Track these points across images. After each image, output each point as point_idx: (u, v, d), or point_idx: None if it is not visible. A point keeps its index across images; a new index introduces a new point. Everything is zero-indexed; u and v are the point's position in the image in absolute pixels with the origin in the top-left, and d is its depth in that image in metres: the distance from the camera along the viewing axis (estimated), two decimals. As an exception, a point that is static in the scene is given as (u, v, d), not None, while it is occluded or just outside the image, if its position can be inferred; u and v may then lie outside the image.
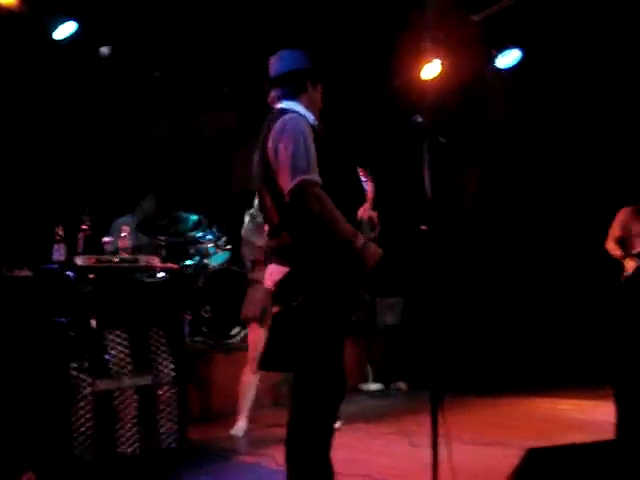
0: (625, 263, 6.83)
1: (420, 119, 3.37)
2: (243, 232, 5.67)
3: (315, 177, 2.98)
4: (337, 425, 5.09)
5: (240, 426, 5.49)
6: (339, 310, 3.07)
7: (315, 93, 3.30)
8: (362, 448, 5.07)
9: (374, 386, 7.74)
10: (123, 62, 7.32)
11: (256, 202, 5.48)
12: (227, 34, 7.25)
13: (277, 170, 3.03)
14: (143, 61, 7.53)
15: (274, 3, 6.83)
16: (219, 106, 8.12)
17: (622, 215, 7.07)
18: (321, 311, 3.02)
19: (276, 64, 3.32)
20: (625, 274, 6.71)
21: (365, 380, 7.83)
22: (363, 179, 4.52)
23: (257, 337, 5.33)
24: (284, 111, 3.14)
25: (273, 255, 3.16)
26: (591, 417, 5.87)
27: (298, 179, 2.94)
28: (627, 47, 6.90)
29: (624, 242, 6.94)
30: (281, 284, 3.08)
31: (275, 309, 3.15)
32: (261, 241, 5.02)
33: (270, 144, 3.05)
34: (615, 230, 7.04)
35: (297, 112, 3.13)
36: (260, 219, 4.80)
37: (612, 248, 6.99)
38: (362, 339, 7.99)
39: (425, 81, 7.75)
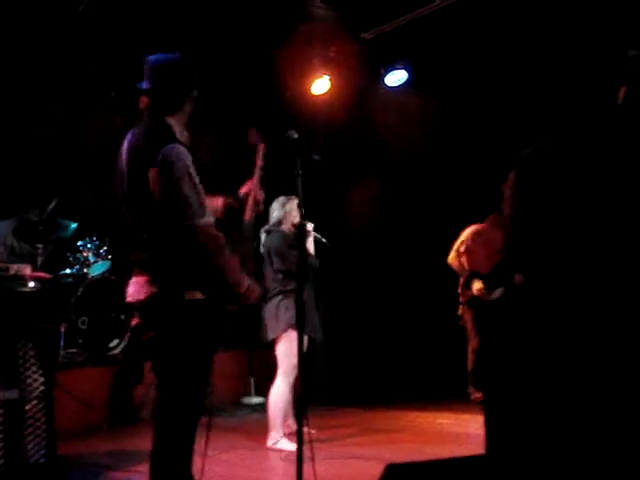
0: (473, 283, 7.11)
1: (295, 135, 3.37)
2: (272, 246, 5.59)
3: (210, 219, 3.02)
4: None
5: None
6: (209, 329, 3.10)
7: (189, 107, 3.26)
8: (238, 463, 5.03)
9: (256, 399, 7.69)
10: (3, 61, 7.05)
11: (273, 217, 5.63)
12: (115, 37, 7.10)
13: (165, 200, 2.99)
14: (25, 61, 7.27)
15: (162, 8, 6.74)
16: (105, 110, 7.93)
17: (468, 233, 7.37)
18: (191, 331, 3.03)
19: (159, 73, 3.20)
20: (493, 296, 6.96)
21: (247, 393, 7.78)
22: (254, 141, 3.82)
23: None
24: (166, 135, 3.08)
25: (143, 267, 3.10)
26: (469, 431, 6.01)
27: (195, 222, 2.96)
28: (517, 68, 7.14)
29: (464, 259, 7.25)
30: (153, 298, 3.04)
31: (135, 321, 3.14)
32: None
33: (158, 172, 2.97)
34: (460, 246, 7.33)
35: (178, 141, 3.07)
36: (283, 228, 5.53)
37: (457, 265, 7.28)
38: (245, 352, 7.95)
39: (315, 96, 7.81)
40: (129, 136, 3.19)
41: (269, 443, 5.40)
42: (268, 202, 8.25)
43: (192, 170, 3.03)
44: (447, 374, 7.68)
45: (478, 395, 7.32)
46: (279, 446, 5.30)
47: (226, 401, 7.48)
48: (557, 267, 2.13)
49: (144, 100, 3.19)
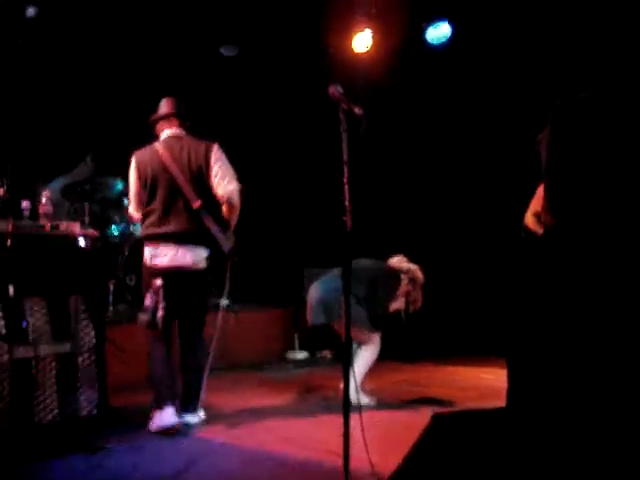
0: None
1: (340, 89, 3.36)
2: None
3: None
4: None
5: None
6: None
7: None
8: (282, 414, 5.13)
9: (300, 354, 7.81)
10: (49, 23, 7.11)
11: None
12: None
13: (214, 175, 4.69)
14: (71, 22, 7.33)
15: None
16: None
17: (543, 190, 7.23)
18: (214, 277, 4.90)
19: (175, 104, 4.94)
20: None
21: (291, 348, 7.89)
22: None
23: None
24: (197, 138, 4.86)
25: (192, 238, 4.69)
26: (509, 386, 6.05)
27: (238, 185, 4.77)
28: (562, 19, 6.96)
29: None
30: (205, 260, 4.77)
31: (159, 281, 4.64)
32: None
33: (212, 160, 4.70)
34: (537, 205, 7.19)
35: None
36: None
37: (533, 223, 7.15)
38: (289, 308, 8.04)
39: (357, 51, 7.74)
40: (165, 147, 4.78)
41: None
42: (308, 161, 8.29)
43: None
44: (488, 330, 7.68)
45: None
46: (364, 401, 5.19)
47: (271, 356, 7.61)
48: (592, 216, 2.12)
49: (172, 122, 4.90)
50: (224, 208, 4.78)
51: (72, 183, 6.57)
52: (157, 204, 4.72)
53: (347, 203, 3.13)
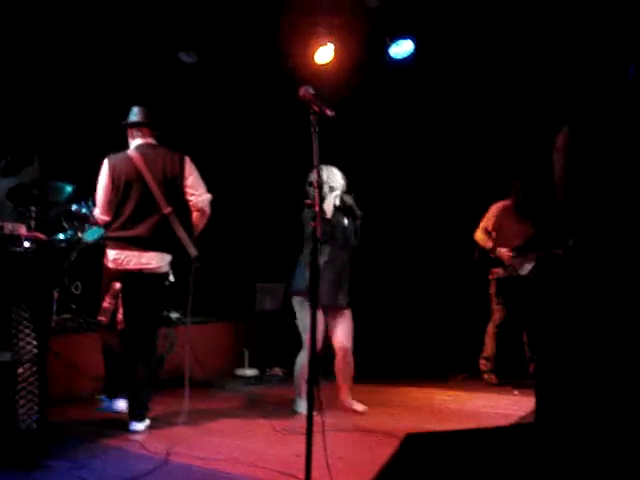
0: (498, 253, 6.96)
1: (312, 91, 3.23)
2: None
3: None
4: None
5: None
6: None
7: None
8: (233, 433, 4.93)
9: (250, 371, 7.60)
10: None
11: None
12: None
13: (190, 185, 5.00)
14: (23, 21, 7.07)
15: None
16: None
17: (495, 209, 7.19)
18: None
19: (148, 114, 5.14)
20: (521, 271, 6.84)
21: (241, 365, 7.67)
22: None
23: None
24: (175, 150, 5.09)
25: (159, 243, 4.91)
26: (466, 408, 5.99)
27: (210, 195, 5.10)
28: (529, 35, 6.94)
29: (493, 236, 7.08)
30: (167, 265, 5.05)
31: (118, 284, 4.85)
32: None
33: (187, 172, 5.01)
34: (488, 223, 7.16)
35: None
36: None
37: (482, 239, 7.11)
38: (239, 324, 7.85)
39: (319, 65, 7.63)
40: (140, 155, 4.95)
41: (295, 408, 5.56)
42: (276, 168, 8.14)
43: None
44: (446, 353, 7.62)
45: (492, 377, 7.10)
46: (301, 411, 5.41)
47: (219, 373, 7.38)
48: (615, 226, 1.98)
49: (144, 131, 5.10)
50: (195, 215, 5.04)
51: (18, 185, 6.27)
52: (128, 208, 4.88)
53: (317, 209, 2.97)
